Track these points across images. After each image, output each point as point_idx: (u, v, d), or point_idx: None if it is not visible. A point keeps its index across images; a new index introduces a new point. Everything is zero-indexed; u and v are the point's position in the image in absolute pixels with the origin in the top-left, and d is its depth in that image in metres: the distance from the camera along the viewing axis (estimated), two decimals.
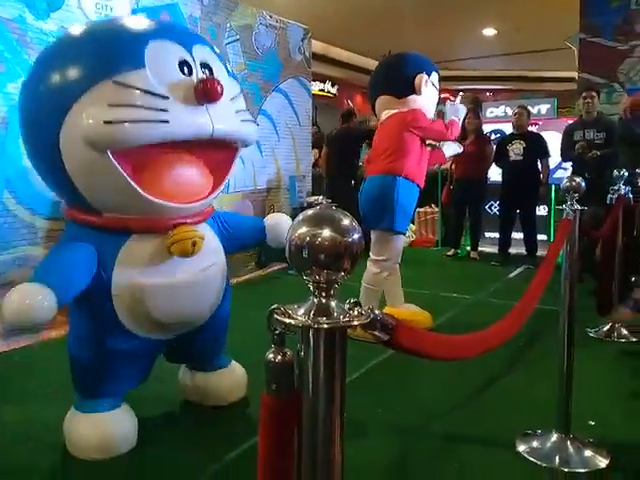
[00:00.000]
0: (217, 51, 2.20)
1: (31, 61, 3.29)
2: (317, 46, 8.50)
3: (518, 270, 5.40)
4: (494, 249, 6.08)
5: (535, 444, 2.20)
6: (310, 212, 0.70)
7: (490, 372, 2.88)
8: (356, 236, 0.69)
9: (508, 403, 2.58)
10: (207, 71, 1.98)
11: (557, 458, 2.13)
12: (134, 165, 1.86)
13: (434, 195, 6.73)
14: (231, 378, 2.50)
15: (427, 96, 3.43)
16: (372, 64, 3.63)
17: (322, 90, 12.77)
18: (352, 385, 2.71)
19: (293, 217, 3.21)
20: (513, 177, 5.59)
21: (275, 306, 0.69)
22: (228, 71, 2.17)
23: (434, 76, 3.47)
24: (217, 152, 2.09)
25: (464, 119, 5.98)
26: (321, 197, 5.84)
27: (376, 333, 0.73)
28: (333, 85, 13.30)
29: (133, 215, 1.95)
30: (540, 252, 5.52)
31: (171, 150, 1.93)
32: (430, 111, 3.51)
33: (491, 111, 7.03)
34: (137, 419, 2.17)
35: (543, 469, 2.08)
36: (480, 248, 6.20)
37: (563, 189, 2.19)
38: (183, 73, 1.90)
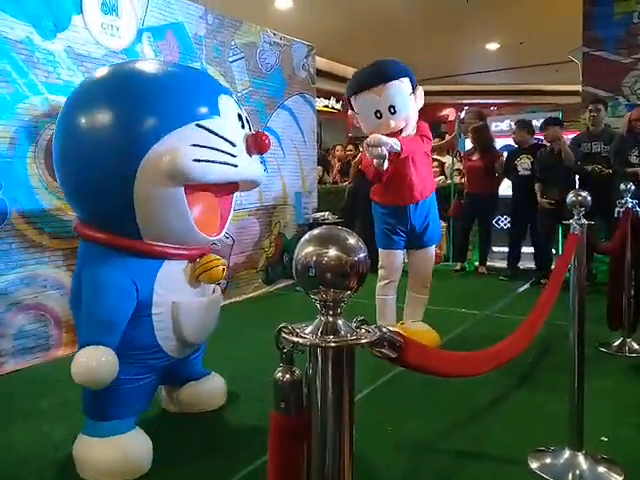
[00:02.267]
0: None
1: (38, 81, 3.38)
2: (321, 62, 8.59)
3: (526, 285, 5.37)
4: (502, 264, 6.06)
5: (548, 461, 2.17)
6: (316, 232, 0.70)
7: (500, 388, 2.85)
8: (362, 255, 0.68)
9: (519, 420, 2.55)
10: (248, 123, 2.27)
11: (570, 475, 2.09)
12: (190, 200, 2.09)
13: (440, 210, 6.72)
14: (214, 385, 2.65)
15: (362, 114, 3.27)
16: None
17: (326, 106, 12.86)
18: (362, 402, 2.69)
19: (299, 233, 3.33)
20: (522, 192, 5.59)
21: (283, 325, 0.68)
22: None
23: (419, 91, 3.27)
24: (228, 192, 2.34)
25: (472, 134, 6.00)
26: (327, 213, 5.86)
27: (384, 351, 0.73)
28: (337, 101, 13.39)
29: (171, 243, 2.14)
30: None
31: (209, 189, 2.19)
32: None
33: (496, 125, 7.05)
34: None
35: None
36: (488, 263, 6.18)
37: (569, 204, 2.18)
38: (239, 123, 2.20)
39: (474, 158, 5.97)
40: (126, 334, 2.02)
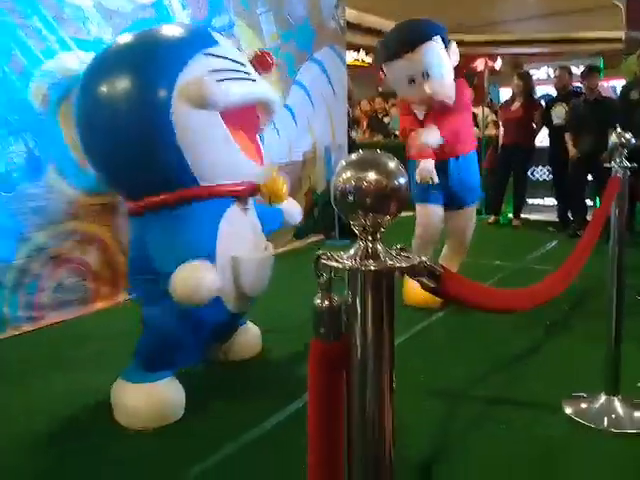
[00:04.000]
0: None
1: (68, 38, 3.37)
2: (350, 14, 8.35)
3: (559, 238, 5.29)
4: (537, 216, 5.96)
5: (583, 406, 2.18)
6: (354, 156, 0.69)
7: (535, 335, 2.85)
8: (402, 180, 0.67)
9: (554, 366, 2.55)
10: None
11: (606, 419, 2.10)
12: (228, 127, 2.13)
13: None
14: (249, 335, 2.73)
15: (394, 81, 3.21)
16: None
17: (356, 60, 12.59)
18: (397, 348, 2.71)
19: (329, 188, 3.19)
20: (556, 142, 5.44)
21: (321, 252, 0.68)
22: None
23: (437, 41, 3.09)
24: (251, 125, 2.34)
25: (517, 80, 5.80)
26: None
27: (423, 280, 0.72)
28: (367, 54, 13.09)
29: (226, 179, 2.15)
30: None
31: (234, 119, 2.16)
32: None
33: (532, 73, 6.80)
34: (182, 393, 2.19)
35: (592, 430, 2.05)
36: (523, 215, 6.08)
37: (611, 146, 2.10)
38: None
39: (513, 108, 5.80)
40: None
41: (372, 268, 0.65)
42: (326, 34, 5.61)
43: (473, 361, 2.62)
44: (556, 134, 5.44)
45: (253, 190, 2.27)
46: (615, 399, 2.13)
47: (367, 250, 0.66)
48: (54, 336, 3.10)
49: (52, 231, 3.29)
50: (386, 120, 8.37)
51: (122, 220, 3.64)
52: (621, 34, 6.21)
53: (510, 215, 6.14)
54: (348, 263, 0.66)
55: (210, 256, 2.05)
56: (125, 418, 2.11)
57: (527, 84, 5.81)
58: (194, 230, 2.06)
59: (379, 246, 0.67)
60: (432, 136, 2.98)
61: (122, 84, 2.05)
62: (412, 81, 3.05)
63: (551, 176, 6.01)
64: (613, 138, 2.06)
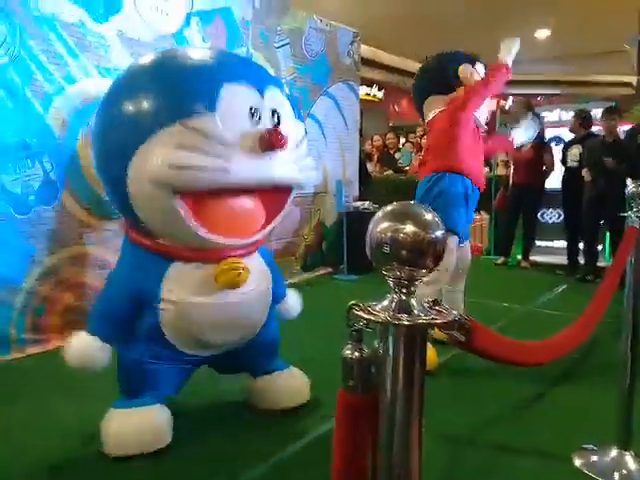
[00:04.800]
0: (286, 92, 2.25)
1: (90, 65, 3.43)
2: (364, 50, 8.50)
3: (568, 282, 5.25)
4: (546, 258, 5.93)
5: (593, 459, 2.12)
6: (391, 207, 0.69)
7: (546, 384, 2.79)
8: (439, 232, 0.67)
9: (564, 416, 2.49)
10: (276, 118, 2.04)
11: (617, 474, 2.04)
12: (194, 201, 1.93)
13: (484, 201, 6.61)
14: (288, 381, 2.45)
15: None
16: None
17: (368, 94, 12.75)
18: None
19: (339, 221, 3.17)
20: (569, 184, 5.45)
21: (354, 302, 0.67)
22: (295, 111, 2.22)
23: (479, 66, 3.29)
24: (274, 193, 2.15)
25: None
26: (367, 202, 5.82)
27: (454, 333, 0.71)
28: (380, 89, 13.27)
29: (186, 244, 2.05)
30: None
31: (230, 191, 2.00)
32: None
33: (545, 116, 6.86)
34: (172, 416, 2.18)
35: None
36: (532, 257, 6.05)
37: (628, 195, 2.09)
38: (252, 118, 1.96)
39: (524, 149, 5.84)
40: (139, 325, 2.10)
41: (405, 323, 0.64)
42: (341, 69, 5.70)
43: (480, 408, 2.57)
44: (570, 176, 5.45)
45: (214, 258, 2.05)
46: (627, 454, 2.07)
47: (400, 304, 0.65)
48: (59, 360, 3.06)
49: (63, 255, 3.31)
50: (397, 156, 8.43)
51: None
52: (633, 79, 6.26)
53: (519, 257, 6.11)
54: (381, 316, 0.65)
55: (147, 298, 2.05)
56: (109, 447, 2.06)
57: (539, 125, 5.86)
58: (137, 271, 2.09)
59: (413, 300, 0.66)
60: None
61: (104, 123, 2.03)
62: None
63: (561, 219, 6.01)
64: (631, 188, 2.06)
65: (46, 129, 3.23)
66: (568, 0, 8.32)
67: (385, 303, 0.67)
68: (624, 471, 2.04)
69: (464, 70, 3.17)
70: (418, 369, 0.66)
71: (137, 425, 2.07)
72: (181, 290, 2.04)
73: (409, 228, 0.65)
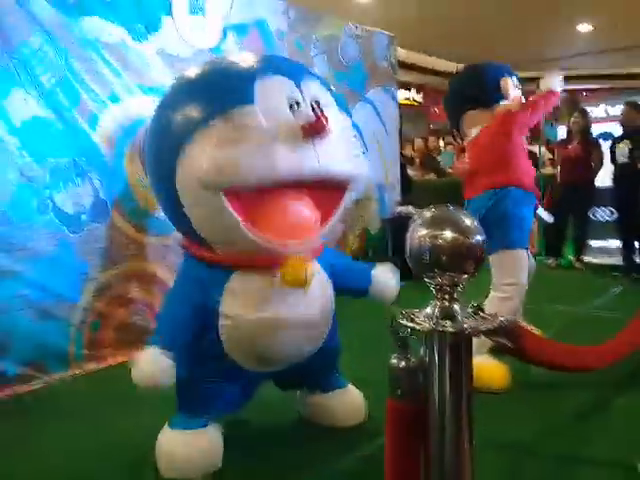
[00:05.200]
0: (329, 85, 2.19)
1: (132, 83, 3.53)
2: (402, 54, 8.46)
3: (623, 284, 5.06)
4: (600, 259, 5.74)
5: None
6: (429, 214, 0.67)
7: (607, 389, 2.67)
8: (479, 237, 0.65)
9: (627, 423, 2.37)
10: (316, 106, 1.96)
11: None
12: (244, 203, 1.88)
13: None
14: (346, 399, 2.38)
15: (513, 99, 3.16)
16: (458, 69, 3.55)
17: (407, 98, 12.67)
18: None
19: (383, 228, 3.07)
20: (621, 181, 5.27)
21: (398, 310, 0.66)
22: (341, 106, 2.14)
23: (514, 79, 3.23)
24: (326, 190, 2.05)
25: (570, 121, 5.71)
26: (410, 207, 5.76)
27: (501, 340, 0.69)
28: (418, 92, 13.17)
29: (242, 251, 1.96)
30: None
31: (279, 188, 1.92)
32: None
33: (591, 111, 6.66)
34: (223, 435, 2.14)
35: None
36: (585, 258, 5.88)
37: None
38: (292, 109, 1.91)
39: (571, 146, 5.68)
40: (199, 340, 2.01)
41: (450, 330, 0.62)
42: (378, 74, 5.68)
43: (539, 416, 2.46)
44: (621, 173, 5.26)
45: (266, 264, 1.97)
46: None
47: (444, 310, 0.64)
48: (115, 375, 3.14)
49: (116, 271, 3.40)
50: (439, 158, 8.35)
51: (180, 260, 3.72)
52: None
53: (571, 257, 5.93)
54: (425, 324, 0.63)
55: (209, 313, 1.98)
56: (161, 466, 2.05)
57: (586, 122, 5.70)
58: (197, 286, 2.01)
59: (456, 306, 0.64)
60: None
61: (153, 139, 2.04)
62: None
63: (614, 217, 5.81)
64: None
65: (94, 148, 3.33)
66: None
67: (428, 310, 0.66)
68: None
69: (506, 84, 3.09)
70: (465, 374, 0.64)
71: (186, 449, 2.03)
72: (242, 304, 1.96)
73: (448, 234, 0.63)
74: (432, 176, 7.61)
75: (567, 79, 3.40)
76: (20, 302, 2.97)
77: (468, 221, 0.66)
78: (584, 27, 10.40)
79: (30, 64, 3.05)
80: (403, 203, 5.90)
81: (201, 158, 1.79)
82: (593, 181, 5.72)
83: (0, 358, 2.89)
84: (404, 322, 0.65)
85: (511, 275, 2.88)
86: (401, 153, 6.51)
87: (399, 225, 5.42)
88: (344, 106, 2.20)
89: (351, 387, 2.41)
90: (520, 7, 8.71)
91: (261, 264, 1.97)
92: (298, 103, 1.92)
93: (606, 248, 6.10)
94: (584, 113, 5.79)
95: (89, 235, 3.27)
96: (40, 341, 3.04)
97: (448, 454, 0.65)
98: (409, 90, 12.78)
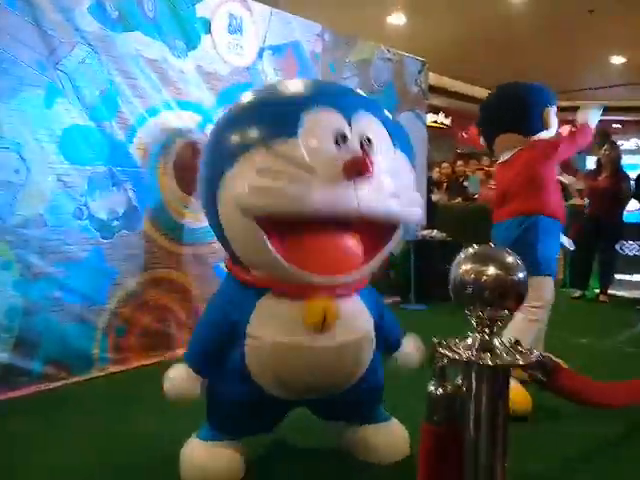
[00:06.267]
0: (385, 115, 2.12)
1: (170, 97, 3.62)
2: (432, 77, 8.52)
3: None
4: (625, 292, 5.67)
5: None
6: (473, 250, 0.71)
7: (631, 422, 2.63)
8: (521, 275, 0.68)
9: None
10: (366, 143, 1.90)
11: None
12: (281, 232, 1.86)
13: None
14: (389, 434, 2.24)
15: (553, 131, 3.15)
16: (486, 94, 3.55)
17: (435, 122, 12.71)
18: None
19: (407, 250, 3.00)
20: None
21: (438, 340, 0.69)
22: (399, 140, 2.07)
23: (554, 108, 3.19)
24: (372, 226, 1.97)
25: (601, 152, 5.69)
26: (435, 231, 5.77)
27: (537, 374, 0.71)
28: (447, 116, 13.20)
29: (275, 276, 1.94)
30: None
31: (320, 224, 1.88)
32: None
33: (621, 144, 6.64)
34: (244, 457, 2.10)
35: None
36: (610, 291, 5.82)
37: None
38: (337, 144, 1.85)
39: (600, 178, 5.66)
40: (225, 361, 2.00)
41: (489, 362, 0.65)
42: (408, 98, 5.73)
43: (567, 448, 2.41)
44: None
45: (297, 292, 1.92)
46: None
47: (483, 343, 0.67)
48: (138, 379, 3.20)
49: (143, 278, 3.47)
50: (465, 184, 8.34)
51: (206, 270, 3.79)
52: None
53: (596, 290, 5.87)
54: (464, 355, 0.66)
55: (238, 333, 1.96)
56: (184, 473, 2.05)
57: (616, 154, 5.67)
58: (230, 304, 2.01)
59: (495, 340, 0.67)
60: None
61: (202, 162, 2.08)
62: None
63: None
64: None
65: (129, 158, 3.42)
66: None
67: (468, 342, 0.69)
68: None
69: (548, 115, 3.06)
70: (502, 407, 0.66)
71: (210, 461, 2.04)
72: (267, 326, 1.93)
73: (492, 270, 0.66)
74: (458, 200, 7.60)
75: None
76: (51, 303, 3.05)
77: (511, 259, 0.69)
78: (617, 59, 10.38)
79: (73, 76, 3.16)
80: (427, 227, 5.91)
81: (240, 183, 1.80)
82: (621, 214, 5.68)
83: (30, 356, 2.97)
84: (444, 352, 0.68)
85: (538, 298, 2.90)
86: (429, 177, 6.53)
87: (423, 248, 5.43)
88: (403, 140, 2.11)
89: (395, 421, 2.29)
90: (554, 36, 8.74)
91: (292, 291, 1.93)
92: (345, 137, 1.86)
93: (632, 282, 6.04)
94: (614, 145, 5.77)
95: (120, 242, 3.36)
96: (67, 342, 3.12)
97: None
98: (437, 114, 12.82)
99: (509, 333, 3.01)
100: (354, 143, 1.86)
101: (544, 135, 3.09)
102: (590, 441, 2.48)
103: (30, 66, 2.98)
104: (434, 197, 7.16)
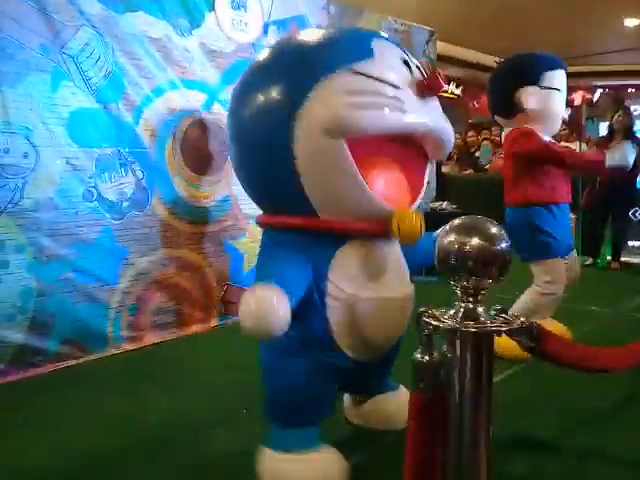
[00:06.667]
0: None
1: (175, 77, 3.63)
2: (440, 47, 8.40)
3: None
4: (638, 259, 5.63)
5: None
6: (458, 221, 0.72)
7: (630, 388, 2.68)
8: (504, 244, 0.69)
9: None
10: (422, 68, 1.96)
11: None
12: (361, 158, 1.80)
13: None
14: (400, 401, 2.20)
15: (542, 107, 3.00)
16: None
17: (446, 92, 12.55)
18: None
19: None
20: None
21: (423, 309, 0.71)
22: None
23: (558, 73, 3.06)
24: (413, 159, 2.01)
25: (614, 119, 5.61)
26: (445, 203, 5.75)
27: (522, 340, 0.73)
28: (457, 86, 13.04)
29: (349, 215, 1.84)
30: None
31: (385, 151, 1.88)
32: (554, 119, 3.12)
33: (635, 109, 6.52)
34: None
35: None
36: (623, 258, 5.78)
37: None
38: (405, 67, 1.89)
39: (612, 144, 5.58)
40: (299, 324, 1.73)
41: (472, 329, 0.67)
42: None
43: (565, 412, 2.50)
44: None
45: (377, 230, 1.85)
46: None
47: (467, 311, 0.69)
48: (152, 357, 3.28)
49: (153, 257, 3.52)
50: (477, 154, 8.27)
51: (217, 248, 3.84)
52: None
53: (608, 257, 5.84)
54: (449, 323, 0.68)
55: (318, 290, 1.80)
56: None
57: (630, 120, 5.59)
58: (301, 260, 1.80)
59: (479, 308, 0.69)
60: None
61: (256, 98, 1.87)
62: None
63: None
64: None
65: (137, 139, 3.45)
66: None
67: (453, 311, 0.71)
68: None
69: (524, 96, 2.96)
70: (485, 372, 0.68)
71: (306, 475, 1.82)
72: (350, 281, 1.81)
73: (475, 241, 0.68)
74: (470, 172, 7.55)
75: (612, 75, 3.32)
76: (64, 285, 3.12)
77: (495, 229, 0.70)
78: (632, 22, 10.12)
79: (78, 58, 3.17)
80: (437, 198, 5.89)
81: (326, 107, 1.72)
82: (635, 181, 5.61)
83: (44, 336, 3.05)
84: (429, 320, 0.70)
85: (550, 276, 3.01)
86: None
87: (433, 220, 5.42)
88: None
89: (403, 388, 2.31)
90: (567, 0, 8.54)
91: (370, 231, 1.86)
92: (408, 63, 1.90)
93: None
94: (628, 111, 5.67)
95: (130, 222, 3.40)
96: (81, 322, 3.19)
97: (466, 444, 0.69)
98: (448, 84, 12.65)
99: (521, 303, 3.07)
100: (414, 68, 1.92)
101: (524, 115, 2.99)
102: (587, 405, 2.56)
103: (35, 50, 3.00)
104: (444, 168, 7.11)
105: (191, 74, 3.71)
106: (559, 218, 3.06)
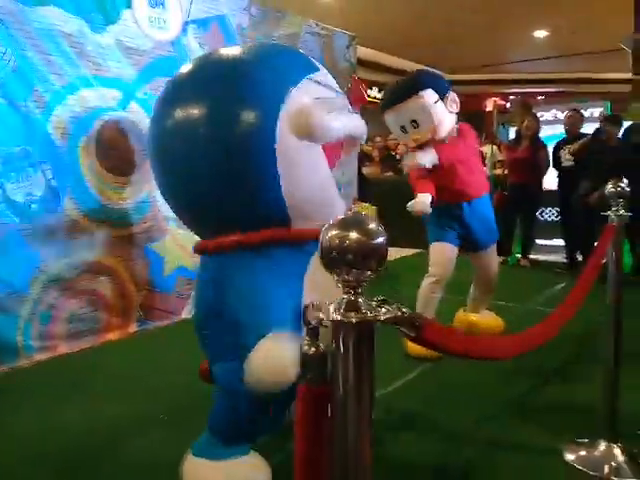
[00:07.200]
0: None
1: (89, 74, 3.51)
2: (362, 52, 8.57)
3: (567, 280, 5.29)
4: (545, 256, 5.97)
5: (583, 453, 2.17)
6: (339, 218, 0.76)
7: (535, 381, 2.85)
8: (381, 239, 0.73)
9: (554, 412, 2.55)
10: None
11: (606, 467, 2.08)
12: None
13: None
14: None
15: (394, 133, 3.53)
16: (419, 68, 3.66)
17: (368, 96, 12.81)
18: (396, 391, 2.74)
19: None
20: (564, 184, 5.50)
21: (309, 302, 0.74)
22: None
23: (428, 93, 3.18)
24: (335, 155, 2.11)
25: (523, 124, 5.93)
26: (367, 204, 5.86)
27: (403, 329, 0.77)
28: (379, 91, 13.33)
29: (320, 220, 1.66)
30: None
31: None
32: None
33: (541, 115, 6.92)
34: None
35: (593, 478, 2.04)
36: (531, 256, 6.11)
37: (608, 195, 2.15)
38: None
39: (520, 148, 5.90)
40: None
41: (353, 320, 0.71)
42: (338, 73, 5.73)
43: (470, 406, 2.62)
44: (565, 176, 5.51)
45: None
46: (615, 447, 2.13)
47: (349, 303, 0.72)
48: (67, 366, 3.15)
49: (66, 262, 3.38)
50: (398, 157, 8.50)
51: (135, 252, 3.74)
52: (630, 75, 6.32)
53: (518, 255, 6.17)
54: (332, 314, 0.71)
55: (294, 306, 1.70)
56: None
57: (537, 126, 5.94)
58: (278, 276, 1.75)
59: (360, 299, 0.73)
60: (428, 156, 3.12)
61: (207, 108, 1.78)
62: (404, 130, 3.31)
63: (560, 217, 6.07)
64: (609, 187, 2.12)
65: (47, 138, 3.31)
66: (565, 1, 8.36)
67: (336, 303, 0.74)
68: (613, 464, 2.09)
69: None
70: (367, 362, 0.72)
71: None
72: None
73: (354, 235, 0.72)
74: (390, 174, 7.74)
75: (522, 83, 3.53)
76: None
77: (372, 225, 0.74)
78: (540, 33, 10.74)
79: None
80: (360, 199, 6.01)
81: (308, 112, 1.77)
82: (540, 183, 5.96)
83: None
84: (315, 313, 0.73)
85: (432, 261, 3.41)
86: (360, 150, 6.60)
87: None
88: None
89: None
90: (481, 10, 8.94)
91: None
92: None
93: (551, 246, 6.38)
94: (535, 117, 6.02)
95: (40, 226, 3.26)
96: None
97: (350, 435, 0.73)
98: (370, 88, 12.91)
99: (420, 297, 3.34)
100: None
101: None
102: (496, 399, 2.70)
103: None
104: (365, 170, 7.26)
105: (106, 71, 3.60)
106: (458, 212, 3.39)
